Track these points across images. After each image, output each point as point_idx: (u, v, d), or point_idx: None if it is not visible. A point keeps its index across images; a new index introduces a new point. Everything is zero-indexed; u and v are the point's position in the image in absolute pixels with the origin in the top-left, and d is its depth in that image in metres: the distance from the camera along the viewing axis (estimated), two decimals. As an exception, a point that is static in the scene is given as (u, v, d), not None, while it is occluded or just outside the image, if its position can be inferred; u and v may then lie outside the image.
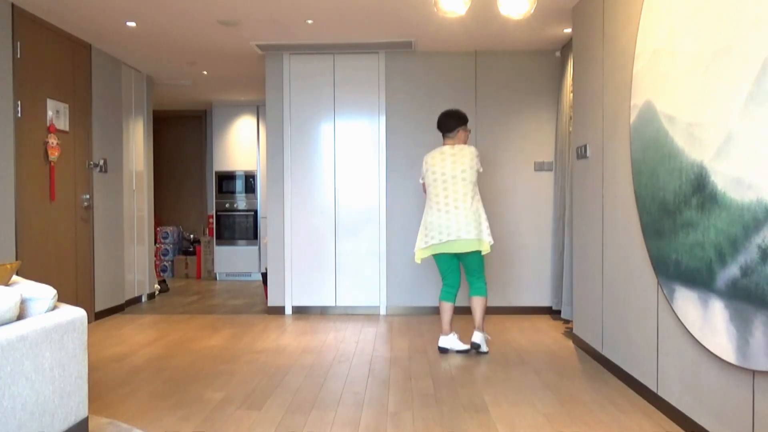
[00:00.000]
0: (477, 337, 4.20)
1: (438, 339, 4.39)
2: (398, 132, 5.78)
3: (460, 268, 4.34)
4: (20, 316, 2.28)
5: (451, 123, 4.31)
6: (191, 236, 9.17)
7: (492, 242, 4.18)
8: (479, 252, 4.18)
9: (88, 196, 5.35)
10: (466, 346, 4.25)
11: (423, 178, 4.32)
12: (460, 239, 4.10)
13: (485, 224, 4.16)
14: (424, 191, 4.36)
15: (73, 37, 5.17)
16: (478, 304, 4.23)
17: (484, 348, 4.22)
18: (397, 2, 4.47)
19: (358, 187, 5.79)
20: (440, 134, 4.38)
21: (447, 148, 4.26)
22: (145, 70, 6.58)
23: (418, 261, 4.30)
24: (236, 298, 6.89)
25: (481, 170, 4.25)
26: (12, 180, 4.33)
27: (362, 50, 5.73)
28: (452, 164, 4.18)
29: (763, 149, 2.13)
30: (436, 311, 5.67)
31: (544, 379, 3.65)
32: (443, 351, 4.28)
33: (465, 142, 4.33)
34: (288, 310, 5.83)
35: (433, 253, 4.20)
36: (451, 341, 4.27)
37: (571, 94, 4.90)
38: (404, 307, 5.77)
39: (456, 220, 4.10)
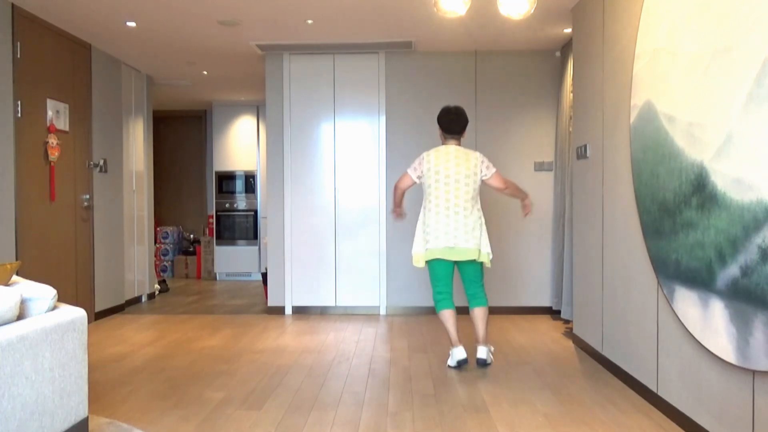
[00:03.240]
0: (482, 352, 3.87)
1: (451, 352, 3.91)
2: (398, 132, 5.78)
3: (453, 275, 4.02)
4: (20, 316, 2.27)
5: (462, 123, 3.99)
6: (191, 236, 9.17)
7: (491, 255, 3.93)
8: (478, 261, 3.93)
9: (88, 196, 5.35)
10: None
11: (419, 177, 3.96)
12: (458, 246, 3.82)
13: (485, 235, 3.91)
14: (397, 189, 4.07)
15: (73, 37, 5.17)
16: (481, 316, 3.90)
17: (490, 360, 3.92)
18: (397, 2, 4.47)
19: (358, 187, 5.79)
20: (438, 132, 4.08)
21: (453, 149, 3.94)
22: (145, 70, 6.58)
23: (419, 265, 3.95)
24: (236, 298, 6.89)
25: (488, 175, 3.93)
26: (12, 180, 4.33)
27: (362, 50, 5.72)
28: (456, 167, 3.87)
29: (763, 149, 2.13)
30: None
31: (544, 379, 3.65)
32: (463, 363, 3.85)
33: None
34: (288, 310, 5.83)
35: (431, 257, 3.88)
36: (463, 351, 3.87)
37: (571, 94, 4.90)
38: (404, 307, 5.77)
39: (455, 226, 3.82)
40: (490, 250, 3.93)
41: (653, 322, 3.13)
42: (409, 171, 4.01)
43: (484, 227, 3.93)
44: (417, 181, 4.00)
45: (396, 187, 4.11)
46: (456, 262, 3.95)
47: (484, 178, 3.96)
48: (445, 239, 3.84)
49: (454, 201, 3.86)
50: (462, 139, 4.06)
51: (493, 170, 3.97)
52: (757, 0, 2.17)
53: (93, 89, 5.48)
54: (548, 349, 4.41)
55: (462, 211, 3.85)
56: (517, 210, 5.72)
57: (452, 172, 3.88)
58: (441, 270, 3.94)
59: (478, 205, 3.95)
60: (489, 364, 3.92)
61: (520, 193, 4.14)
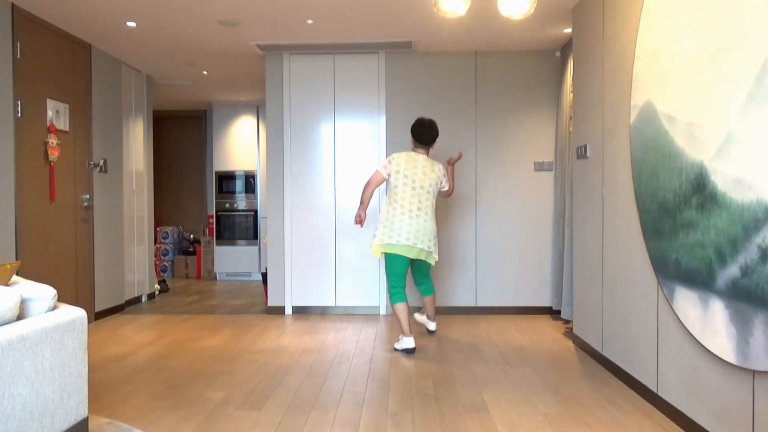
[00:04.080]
0: (433, 326, 4.82)
1: (402, 340, 4.31)
2: (398, 132, 5.77)
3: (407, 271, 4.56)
4: (20, 316, 2.28)
5: (433, 135, 4.46)
6: (191, 236, 9.17)
7: (437, 259, 4.55)
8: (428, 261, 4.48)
9: (88, 196, 5.35)
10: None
11: (388, 174, 4.39)
12: (415, 246, 4.33)
13: (436, 241, 4.44)
14: (370, 184, 4.42)
15: (73, 37, 5.17)
16: (431, 301, 4.69)
17: (435, 329, 4.85)
18: (397, 2, 4.47)
19: (358, 187, 5.78)
20: (410, 140, 4.51)
21: (421, 158, 4.42)
22: (145, 70, 6.58)
23: (377, 255, 4.44)
24: (236, 298, 6.89)
25: (446, 187, 4.52)
26: (12, 180, 4.33)
27: (362, 50, 5.72)
28: (423, 175, 4.37)
29: (763, 149, 2.13)
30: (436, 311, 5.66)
31: (544, 379, 3.65)
32: (410, 352, 4.25)
33: None
34: (288, 310, 5.83)
35: (390, 251, 4.35)
36: (413, 342, 4.29)
37: (571, 94, 4.90)
38: (404, 307, 5.77)
39: (416, 228, 4.32)
40: (437, 256, 4.50)
41: (653, 322, 3.13)
42: (380, 169, 4.46)
43: (437, 235, 4.49)
44: (386, 177, 4.43)
45: (367, 184, 4.45)
46: (411, 259, 4.47)
47: (443, 189, 4.53)
48: (406, 238, 4.32)
49: (417, 205, 4.35)
50: (431, 150, 4.53)
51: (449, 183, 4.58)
52: (757, 0, 2.17)
53: (93, 89, 5.48)
54: (548, 349, 4.41)
55: (424, 215, 4.36)
56: (517, 209, 5.72)
57: (418, 179, 4.37)
58: (399, 266, 4.40)
59: (434, 213, 4.47)
60: (434, 331, 4.83)
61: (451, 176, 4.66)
